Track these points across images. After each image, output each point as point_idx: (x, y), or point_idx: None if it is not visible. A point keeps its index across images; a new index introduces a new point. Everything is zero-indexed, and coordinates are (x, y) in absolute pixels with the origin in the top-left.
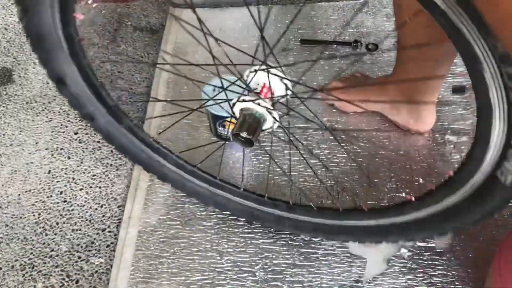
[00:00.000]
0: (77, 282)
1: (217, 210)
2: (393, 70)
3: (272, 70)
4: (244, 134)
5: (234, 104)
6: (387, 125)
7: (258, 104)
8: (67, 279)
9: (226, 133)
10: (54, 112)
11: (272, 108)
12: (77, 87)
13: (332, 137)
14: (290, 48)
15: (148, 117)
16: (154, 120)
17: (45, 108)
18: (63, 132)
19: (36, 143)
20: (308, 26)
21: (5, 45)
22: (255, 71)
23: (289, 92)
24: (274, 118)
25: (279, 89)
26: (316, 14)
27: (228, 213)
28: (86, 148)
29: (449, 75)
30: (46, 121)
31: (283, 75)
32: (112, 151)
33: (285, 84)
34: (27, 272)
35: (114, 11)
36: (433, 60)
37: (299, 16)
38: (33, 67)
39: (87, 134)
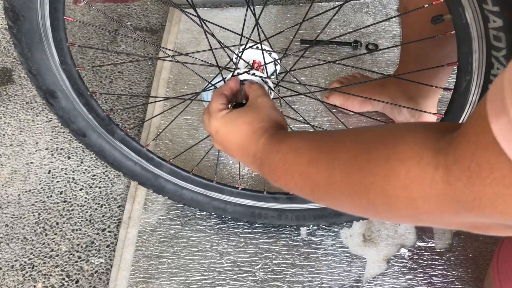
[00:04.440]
0: (77, 282)
1: (217, 215)
2: (395, 71)
3: (260, 46)
4: (244, 101)
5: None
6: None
7: (253, 74)
8: (67, 279)
9: None
10: None
11: (266, 76)
12: (68, 99)
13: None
14: (290, 49)
15: (147, 118)
16: (154, 119)
17: (45, 108)
18: (63, 132)
19: (36, 143)
20: (308, 26)
21: (5, 45)
22: (243, 50)
23: (278, 66)
24: (270, 87)
25: (269, 66)
26: (316, 14)
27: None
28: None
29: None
30: (46, 121)
31: (270, 49)
32: None
33: (274, 58)
34: (27, 272)
35: (114, 11)
36: (436, 61)
37: (299, 16)
38: None
39: None
